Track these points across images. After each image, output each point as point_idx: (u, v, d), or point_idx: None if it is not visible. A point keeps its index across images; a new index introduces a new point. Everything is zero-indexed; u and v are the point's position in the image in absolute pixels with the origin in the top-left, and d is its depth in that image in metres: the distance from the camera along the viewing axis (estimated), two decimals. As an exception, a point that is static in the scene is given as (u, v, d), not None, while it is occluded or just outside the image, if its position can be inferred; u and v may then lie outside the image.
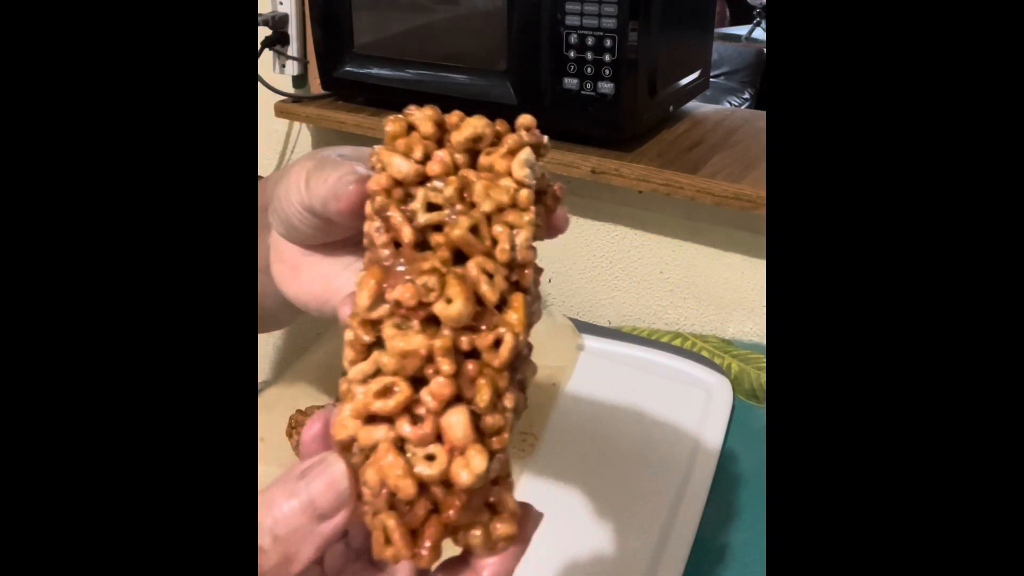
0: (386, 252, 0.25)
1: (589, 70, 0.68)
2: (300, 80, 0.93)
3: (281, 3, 0.89)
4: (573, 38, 0.67)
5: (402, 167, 0.26)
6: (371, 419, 0.24)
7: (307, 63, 0.91)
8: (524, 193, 0.26)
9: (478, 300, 0.24)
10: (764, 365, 0.71)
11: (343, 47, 0.82)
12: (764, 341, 0.77)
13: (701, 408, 0.64)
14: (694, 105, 0.85)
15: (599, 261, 0.85)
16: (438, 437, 0.24)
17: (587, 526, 0.53)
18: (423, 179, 0.26)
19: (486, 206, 0.25)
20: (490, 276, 0.24)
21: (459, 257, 0.25)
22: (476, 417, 0.24)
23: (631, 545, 0.51)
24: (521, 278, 0.25)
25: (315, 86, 0.90)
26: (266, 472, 0.57)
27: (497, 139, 0.27)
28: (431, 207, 0.25)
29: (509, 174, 0.26)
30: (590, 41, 0.67)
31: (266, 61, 0.92)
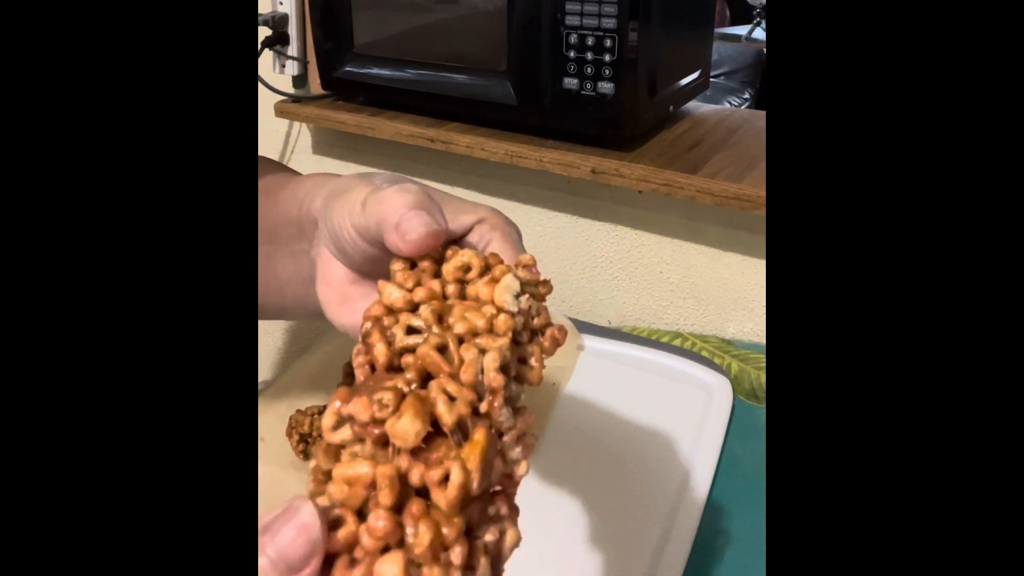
0: (361, 374, 0.24)
1: (589, 70, 0.68)
2: (300, 80, 0.93)
3: (281, 3, 0.89)
4: (573, 38, 0.67)
5: (393, 294, 0.26)
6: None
7: (307, 63, 0.91)
8: (501, 318, 0.25)
9: (437, 425, 0.22)
10: (764, 365, 0.71)
11: (343, 47, 0.82)
12: (764, 341, 0.77)
13: (701, 408, 0.64)
14: (694, 105, 0.85)
15: (599, 261, 0.85)
16: None
17: (587, 526, 0.53)
18: (413, 307, 0.26)
19: (459, 328, 0.24)
20: (451, 399, 0.22)
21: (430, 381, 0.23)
22: (418, 568, 0.21)
23: (631, 545, 0.51)
24: (490, 408, 0.23)
25: (315, 86, 0.90)
26: (266, 472, 0.58)
27: (487, 270, 0.27)
28: (410, 331, 0.25)
29: (491, 301, 0.25)
30: (590, 41, 0.67)
31: (266, 61, 0.92)
